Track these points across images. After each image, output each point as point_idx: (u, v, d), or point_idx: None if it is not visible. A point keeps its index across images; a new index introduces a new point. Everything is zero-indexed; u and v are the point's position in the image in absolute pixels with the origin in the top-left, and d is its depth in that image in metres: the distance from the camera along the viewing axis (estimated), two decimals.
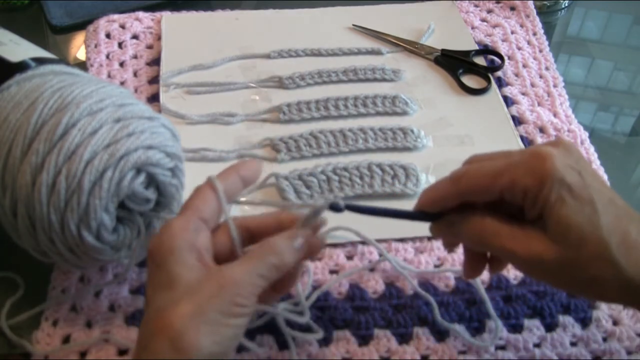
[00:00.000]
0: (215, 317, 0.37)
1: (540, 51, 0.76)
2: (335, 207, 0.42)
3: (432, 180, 0.61)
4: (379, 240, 0.55)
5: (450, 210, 0.43)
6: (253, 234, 0.44)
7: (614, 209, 0.39)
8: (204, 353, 0.36)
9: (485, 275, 0.49)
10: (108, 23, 0.76)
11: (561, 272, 0.39)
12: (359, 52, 0.75)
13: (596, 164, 0.63)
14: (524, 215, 0.40)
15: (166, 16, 0.77)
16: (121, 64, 0.72)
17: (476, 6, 0.82)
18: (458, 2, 0.82)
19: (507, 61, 0.74)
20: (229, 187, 0.43)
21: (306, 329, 0.48)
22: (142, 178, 0.46)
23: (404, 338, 0.50)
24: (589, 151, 0.64)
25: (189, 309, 0.36)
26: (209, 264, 0.40)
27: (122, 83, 0.69)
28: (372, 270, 0.54)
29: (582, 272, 0.39)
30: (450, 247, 0.48)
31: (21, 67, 0.58)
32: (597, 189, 0.39)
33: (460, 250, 0.55)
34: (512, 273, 0.54)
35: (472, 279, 0.52)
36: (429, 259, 0.55)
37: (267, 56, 0.73)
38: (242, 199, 0.57)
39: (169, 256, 0.39)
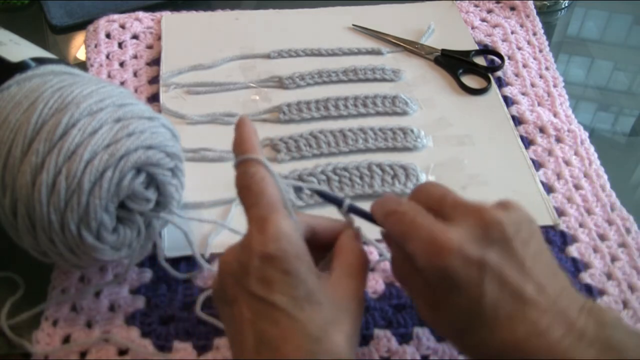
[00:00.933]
0: (358, 334, 0.39)
1: (540, 51, 0.76)
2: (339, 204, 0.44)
3: (432, 180, 0.61)
4: (379, 240, 0.55)
5: None
6: (314, 234, 0.43)
7: (507, 307, 0.36)
8: None
9: None
10: (108, 23, 0.76)
11: (449, 340, 0.41)
12: (359, 52, 0.75)
13: (596, 164, 0.63)
14: None
15: (166, 16, 0.77)
16: (121, 64, 0.72)
17: (476, 6, 0.82)
18: (458, 2, 0.82)
19: (507, 61, 0.74)
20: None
21: None
22: (142, 178, 0.46)
23: (404, 338, 0.50)
24: (589, 151, 0.64)
25: (349, 331, 0.38)
26: (316, 268, 0.40)
27: (122, 83, 0.69)
28: (372, 270, 0.54)
29: (466, 351, 0.40)
30: None
31: (21, 67, 0.58)
32: (497, 284, 0.36)
33: None
34: None
35: None
36: None
37: (267, 56, 0.73)
38: None
39: (299, 265, 0.37)
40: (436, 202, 0.41)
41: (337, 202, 0.44)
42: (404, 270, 0.41)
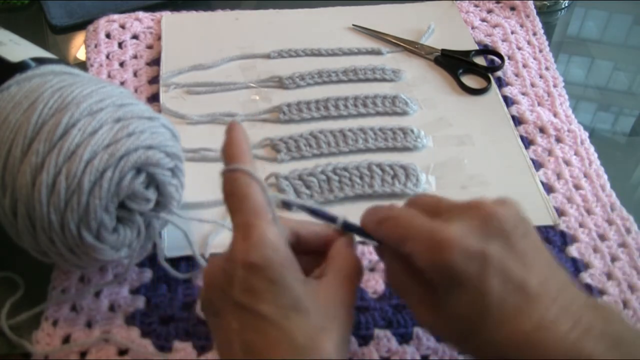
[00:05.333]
0: (348, 342, 0.39)
1: (540, 51, 0.76)
2: (286, 205, 0.45)
3: (432, 180, 0.61)
4: None
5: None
6: (300, 239, 0.42)
7: (513, 301, 0.36)
8: None
9: None
10: (108, 23, 0.76)
11: (451, 344, 0.41)
12: (359, 52, 0.75)
13: (596, 164, 0.63)
14: None
15: (166, 16, 0.77)
16: (121, 64, 0.72)
17: (476, 6, 0.82)
18: (458, 2, 0.82)
19: (507, 61, 0.74)
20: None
21: None
22: (142, 178, 0.46)
23: (404, 338, 0.50)
24: (589, 151, 0.64)
25: (338, 339, 0.37)
26: (303, 275, 0.39)
27: (122, 83, 0.69)
28: (372, 270, 0.54)
29: (470, 352, 0.39)
30: None
31: (21, 67, 0.58)
32: (501, 277, 0.36)
33: None
34: None
35: None
36: None
37: (267, 56, 0.73)
38: None
39: (285, 272, 0.37)
40: (431, 206, 0.41)
41: (331, 220, 0.43)
42: (401, 278, 0.41)
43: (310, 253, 0.42)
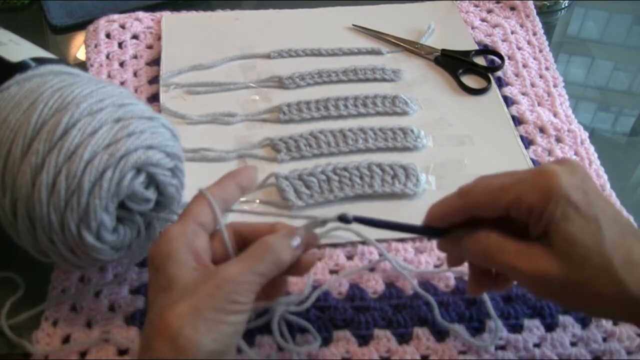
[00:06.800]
0: (212, 315, 0.38)
1: (540, 51, 0.76)
2: (344, 219, 0.44)
3: (432, 180, 0.61)
4: (379, 240, 0.55)
5: (458, 225, 0.43)
6: (246, 240, 0.45)
7: (618, 227, 0.39)
8: (204, 351, 0.36)
9: None
10: (108, 23, 0.76)
11: (565, 289, 0.39)
12: (359, 52, 0.75)
13: (596, 164, 0.63)
14: (529, 233, 0.41)
15: (166, 16, 0.77)
16: (121, 64, 0.72)
17: (476, 6, 0.82)
18: (458, 2, 0.82)
19: (507, 61, 0.74)
20: (227, 196, 0.45)
21: (305, 330, 0.49)
22: (142, 178, 0.46)
23: (404, 338, 0.50)
24: (589, 151, 0.64)
25: (185, 309, 0.37)
26: (207, 265, 0.41)
27: (122, 83, 0.69)
28: (372, 270, 0.54)
29: (586, 288, 0.39)
30: (455, 263, 0.48)
31: (21, 67, 0.58)
32: (601, 207, 0.39)
33: None
34: None
35: (476, 296, 0.52)
36: (429, 259, 0.55)
37: (267, 56, 0.73)
38: (243, 198, 0.57)
39: (167, 260, 0.40)
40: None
41: (346, 221, 0.44)
42: (496, 239, 0.41)
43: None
